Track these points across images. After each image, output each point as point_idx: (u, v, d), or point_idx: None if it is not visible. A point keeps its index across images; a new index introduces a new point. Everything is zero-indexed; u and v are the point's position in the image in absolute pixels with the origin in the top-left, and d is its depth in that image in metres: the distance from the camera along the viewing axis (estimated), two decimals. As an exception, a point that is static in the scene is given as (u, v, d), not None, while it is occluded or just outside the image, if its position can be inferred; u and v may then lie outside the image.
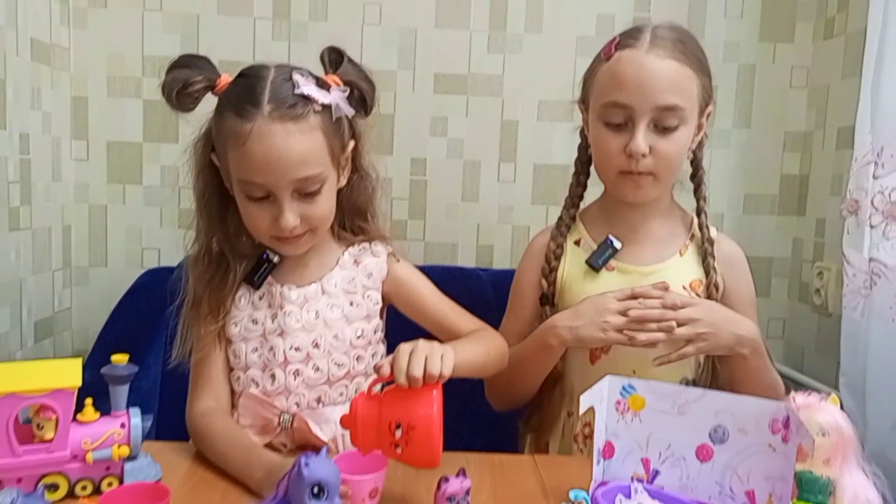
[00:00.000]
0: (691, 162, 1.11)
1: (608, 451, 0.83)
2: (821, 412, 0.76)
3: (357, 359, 1.00)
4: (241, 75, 0.93)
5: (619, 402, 0.82)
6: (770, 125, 1.62)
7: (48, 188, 1.47)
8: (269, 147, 0.88)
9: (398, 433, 0.73)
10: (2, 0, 1.28)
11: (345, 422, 0.76)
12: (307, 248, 0.98)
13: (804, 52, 1.60)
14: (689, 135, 1.01)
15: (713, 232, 1.10)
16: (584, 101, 1.09)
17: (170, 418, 1.09)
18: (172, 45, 1.53)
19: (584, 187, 1.15)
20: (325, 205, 0.95)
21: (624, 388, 0.82)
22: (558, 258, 1.10)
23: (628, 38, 1.01)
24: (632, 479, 0.81)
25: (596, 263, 1.06)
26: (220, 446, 0.90)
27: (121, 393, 0.78)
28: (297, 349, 0.97)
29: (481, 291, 1.45)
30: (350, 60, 0.97)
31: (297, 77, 0.91)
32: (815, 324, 1.53)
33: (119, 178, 1.56)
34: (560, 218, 1.13)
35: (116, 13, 1.53)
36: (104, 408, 0.81)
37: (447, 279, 1.44)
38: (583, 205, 1.17)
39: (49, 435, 0.74)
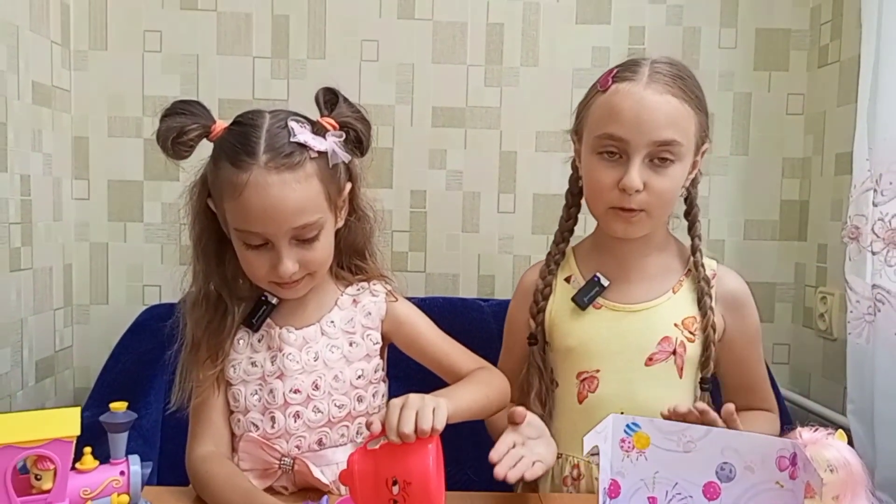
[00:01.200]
0: (685, 199, 1.09)
1: (614, 490, 0.82)
2: (828, 448, 0.76)
3: (358, 399, 0.99)
4: (236, 123, 0.93)
5: (623, 441, 0.81)
6: (768, 152, 1.62)
7: (49, 228, 1.47)
8: (265, 198, 0.88)
9: (395, 489, 0.72)
10: (3, 45, 1.30)
11: (343, 478, 0.76)
12: (306, 291, 0.98)
13: (799, 79, 1.61)
14: (683, 171, 1.00)
15: (713, 265, 1.08)
16: (577, 132, 1.07)
17: (172, 457, 1.08)
18: (172, 86, 1.55)
19: (576, 220, 1.13)
20: (324, 249, 0.95)
21: (628, 426, 0.81)
22: (546, 297, 1.08)
23: (626, 71, 0.99)
24: (638, 519, 0.80)
25: (581, 302, 1.04)
26: (220, 491, 0.88)
27: (120, 440, 0.77)
28: (296, 391, 0.96)
29: (483, 322, 1.44)
30: (346, 101, 0.98)
31: (292, 124, 0.91)
32: (820, 349, 1.52)
33: (120, 217, 1.57)
34: (549, 254, 1.12)
35: (116, 55, 1.54)
36: (104, 449, 0.80)
37: (449, 310, 1.46)
38: (576, 239, 1.15)
39: (47, 485, 0.73)
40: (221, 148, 0.92)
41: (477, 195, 1.61)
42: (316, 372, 0.97)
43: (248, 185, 0.87)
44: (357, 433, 0.99)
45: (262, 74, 1.56)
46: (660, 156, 0.96)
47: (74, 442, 0.73)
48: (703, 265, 1.06)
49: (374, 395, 1.01)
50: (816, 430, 0.78)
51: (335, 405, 0.97)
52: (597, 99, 1.01)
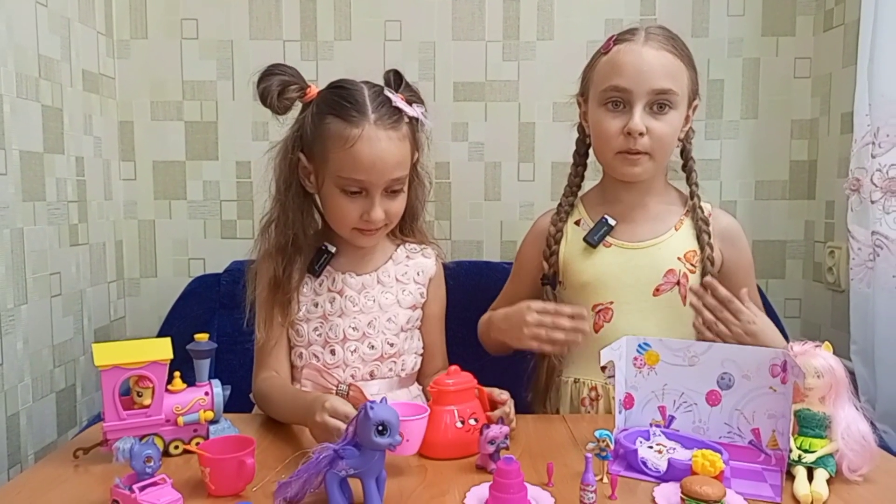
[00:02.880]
0: (682, 153, 1.25)
1: (628, 401, 0.97)
2: (815, 357, 0.90)
3: (405, 340, 1.18)
4: (337, 87, 1.12)
5: (636, 359, 0.97)
6: (777, 114, 1.75)
7: (101, 206, 1.65)
8: (375, 150, 1.06)
9: (471, 422, 0.95)
10: (57, 37, 1.47)
11: (452, 372, 0.98)
12: (377, 240, 1.17)
13: (806, 43, 1.74)
14: (679, 119, 1.15)
15: (709, 207, 1.23)
16: (583, 94, 1.24)
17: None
18: (209, 70, 1.71)
19: (582, 178, 1.30)
20: (403, 203, 1.15)
21: (640, 346, 0.97)
22: (557, 242, 1.24)
23: (625, 34, 1.17)
24: (650, 424, 0.95)
25: (592, 240, 1.20)
26: (275, 397, 1.08)
27: (203, 366, 0.94)
28: (354, 328, 1.15)
29: (507, 283, 1.59)
30: (407, 82, 1.17)
31: (387, 93, 1.10)
32: (829, 301, 1.66)
33: (165, 195, 1.74)
34: (560, 204, 1.28)
35: (157, 43, 1.71)
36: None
37: (475, 273, 1.61)
38: (581, 192, 1.31)
39: (147, 401, 0.90)
40: (328, 105, 1.09)
41: (498, 165, 1.76)
42: (372, 313, 1.16)
43: (361, 138, 1.05)
44: (402, 369, 1.16)
45: (292, 57, 1.72)
46: (658, 102, 1.13)
47: (168, 365, 0.89)
48: (700, 207, 1.21)
49: (418, 339, 1.21)
50: (805, 343, 0.92)
51: (387, 343, 1.16)
52: (600, 60, 1.18)
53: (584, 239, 1.20)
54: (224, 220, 1.75)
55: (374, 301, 1.17)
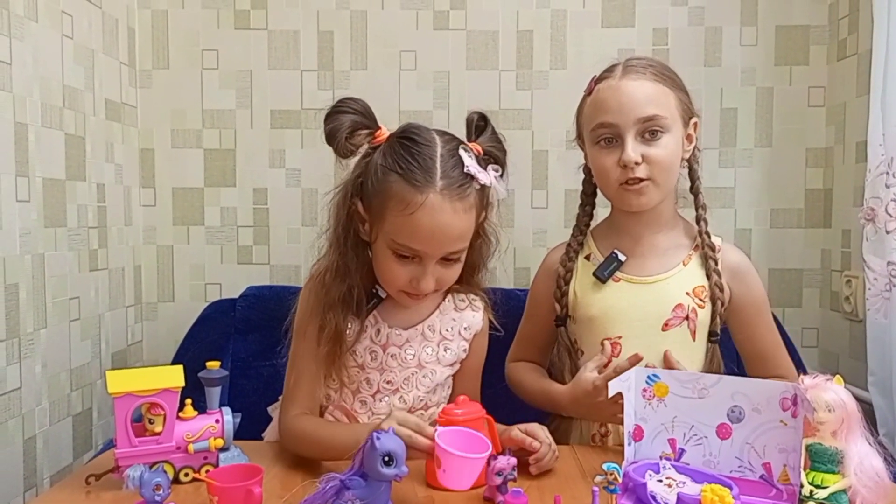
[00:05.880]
0: (689, 174, 1.24)
1: (638, 434, 0.96)
2: (827, 391, 0.89)
3: (436, 393, 1.15)
4: (408, 138, 1.02)
5: (645, 390, 0.96)
6: (791, 143, 1.75)
7: (121, 232, 1.68)
8: (436, 222, 0.98)
9: None
10: (81, 68, 1.51)
11: (460, 402, 0.95)
12: (424, 303, 1.11)
13: (819, 73, 1.74)
14: (675, 141, 1.15)
15: (719, 242, 1.22)
16: (579, 137, 1.25)
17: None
18: (228, 99, 1.75)
19: (591, 216, 1.30)
20: (458, 271, 1.08)
21: (649, 377, 0.96)
22: (567, 282, 1.24)
23: (604, 73, 1.19)
24: (660, 457, 0.94)
25: (602, 275, 1.19)
26: (322, 432, 1.00)
27: (214, 394, 0.95)
28: (389, 382, 1.12)
29: (521, 309, 1.59)
30: (493, 129, 1.09)
31: (462, 154, 1.01)
32: (846, 330, 1.63)
33: (183, 221, 1.77)
34: (569, 244, 1.28)
35: (177, 73, 1.75)
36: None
37: (489, 299, 1.61)
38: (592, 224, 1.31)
39: (158, 429, 0.91)
40: (394, 160, 1.00)
41: (511, 192, 1.76)
42: (410, 369, 1.12)
43: (423, 207, 0.97)
44: (429, 420, 1.12)
45: (309, 86, 1.75)
46: (649, 130, 1.13)
47: (180, 392, 0.91)
48: (707, 233, 1.20)
49: (448, 388, 1.18)
50: (816, 376, 0.91)
51: (418, 398, 1.13)
52: (586, 102, 1.21)
53: (594, 274, 1.20)
54: (240, 246, 1.77)
55: (414, 356, 1.12)
